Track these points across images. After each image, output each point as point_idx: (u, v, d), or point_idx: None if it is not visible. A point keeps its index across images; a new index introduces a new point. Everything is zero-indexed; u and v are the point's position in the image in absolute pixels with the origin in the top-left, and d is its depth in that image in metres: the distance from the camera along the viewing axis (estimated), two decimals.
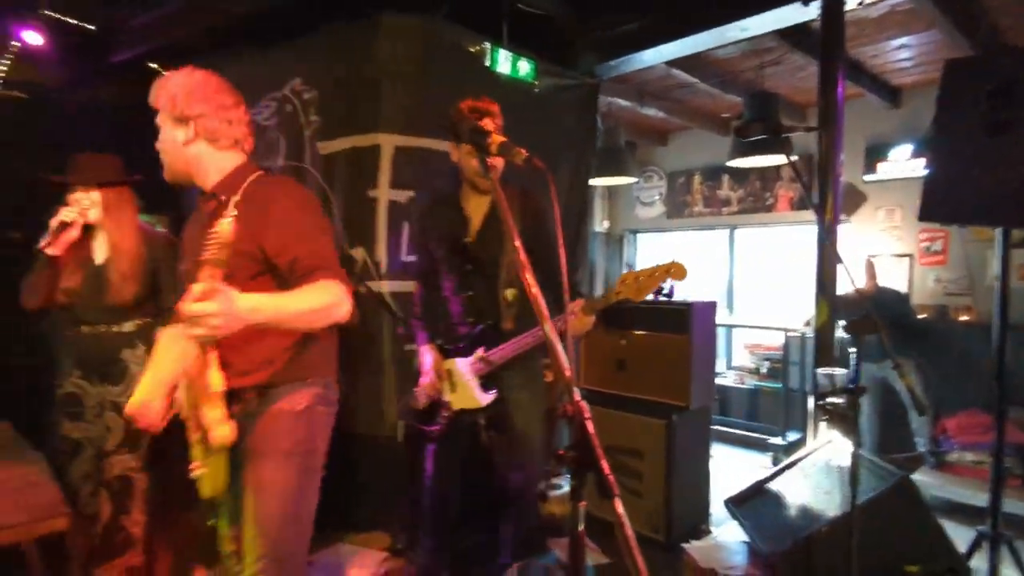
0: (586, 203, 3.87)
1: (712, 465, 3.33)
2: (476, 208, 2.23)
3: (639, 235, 7.39)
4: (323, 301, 1.46)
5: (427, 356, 2.27)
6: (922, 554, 2.19)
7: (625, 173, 5.29)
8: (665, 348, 3.03)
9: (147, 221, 2.59)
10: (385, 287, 2.98)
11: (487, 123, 2.02)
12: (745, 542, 2.63)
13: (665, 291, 3.63)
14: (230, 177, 1.63)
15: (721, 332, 6.28)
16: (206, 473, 1.56)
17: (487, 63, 3.28)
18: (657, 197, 7.02)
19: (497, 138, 1.31)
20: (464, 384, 2.22)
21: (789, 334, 5.10)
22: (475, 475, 2.37)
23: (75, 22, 3.79)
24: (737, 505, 2.64)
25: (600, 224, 7.39)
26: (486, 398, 2.21)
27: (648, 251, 7.33)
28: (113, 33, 3.86)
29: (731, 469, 4.34)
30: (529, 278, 1.11)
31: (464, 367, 2.21)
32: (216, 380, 1.50)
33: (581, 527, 1.01)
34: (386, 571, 2.63)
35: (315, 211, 1.66)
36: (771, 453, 4.66)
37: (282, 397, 1.59)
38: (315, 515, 1.72)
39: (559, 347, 1.03)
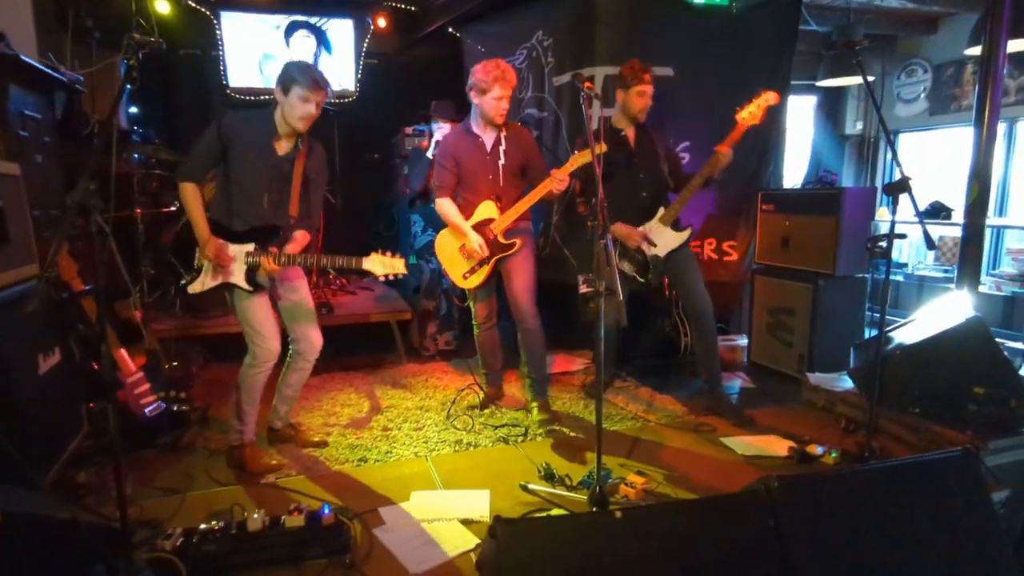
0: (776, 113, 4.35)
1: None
2: (629, 129, 3.36)
3: (900, 135, 7.03)
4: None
5: (621, 228, 3.26)
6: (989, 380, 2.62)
7: (853, 73, 5.30)
8: (818, 227, 3.61)
9: None
10: None
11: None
12: None
13: (828, 180, 4.07)
14: None
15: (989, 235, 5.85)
16: (477, 274, 3.06)
17: None
18: (921, 92, 6.61)
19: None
20: (661, 232, 3.26)
21: None
22: None
23: (403, 6, 5.49)
24: (858, 348, 3.24)
25: (853, 126, 7.23)
26: (683, 236, 3.25)
27: (909, 152, 6.95)
28: (425, 11, 5.46)
29: None
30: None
31: (655, 224, 3.27)
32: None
33: None
34: (586, 367, 3.94)
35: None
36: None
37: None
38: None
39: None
